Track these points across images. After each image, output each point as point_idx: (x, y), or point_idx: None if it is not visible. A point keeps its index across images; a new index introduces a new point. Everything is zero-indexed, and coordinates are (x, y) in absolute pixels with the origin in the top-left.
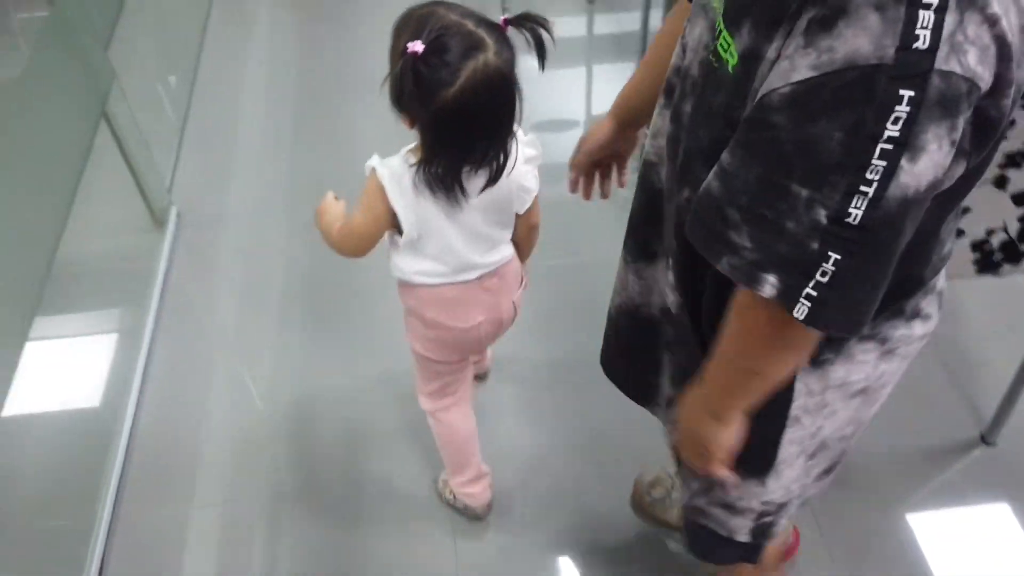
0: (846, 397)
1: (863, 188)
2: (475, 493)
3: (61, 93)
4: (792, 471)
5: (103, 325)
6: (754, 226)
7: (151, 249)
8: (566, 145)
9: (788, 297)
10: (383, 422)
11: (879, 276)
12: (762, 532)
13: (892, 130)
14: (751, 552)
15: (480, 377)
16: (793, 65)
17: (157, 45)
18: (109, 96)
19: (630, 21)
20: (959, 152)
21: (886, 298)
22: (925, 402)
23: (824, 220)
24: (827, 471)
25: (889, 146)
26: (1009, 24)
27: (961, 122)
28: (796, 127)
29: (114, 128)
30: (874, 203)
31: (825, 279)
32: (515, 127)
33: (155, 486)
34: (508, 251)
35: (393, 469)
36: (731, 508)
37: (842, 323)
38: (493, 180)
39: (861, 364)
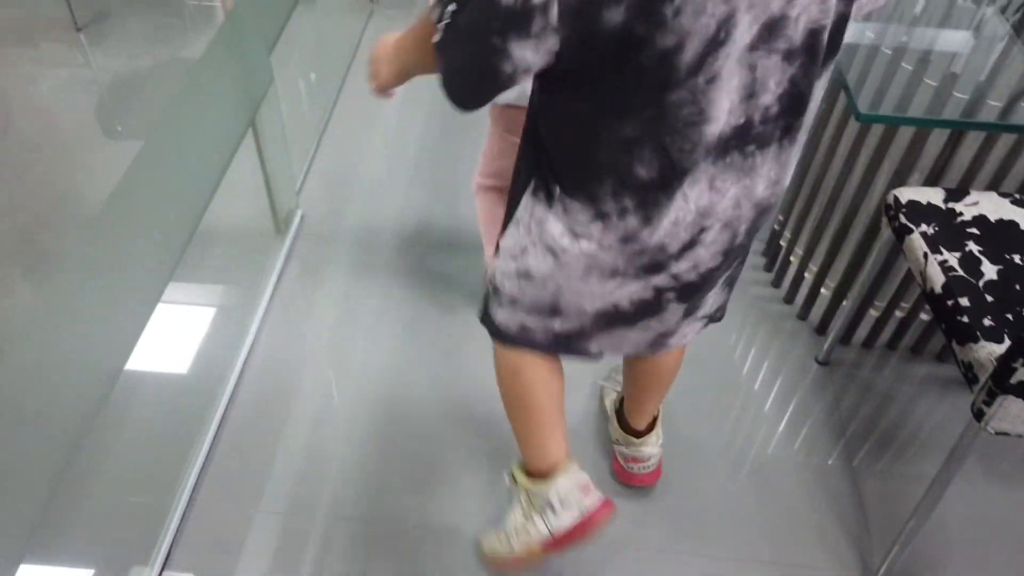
0: (541, 242)
1: None
2: None
3: (223, 90)
4: (505, 262)
5: (217, 303)
6: None
7: (273, 245)
8: None
9: (437, 21)
10: (461, 465)
11: (467, 44)
12: (486, 298)
13: None
14: (485, 318)
15: None
16: None
17: (312, 55)
18: (264, 100)
19: None
20: (548, 26)
21: (532, 165)
22: None
23: None
24: (536, 328)
25: None
26: None
27: None
28: None
29: (257, 131)
30: None
31: (450, 22)
32: None
33: (228, 483)
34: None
35: (457, 518)
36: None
37: (442, 68)
38: None
39: (526, 225)
